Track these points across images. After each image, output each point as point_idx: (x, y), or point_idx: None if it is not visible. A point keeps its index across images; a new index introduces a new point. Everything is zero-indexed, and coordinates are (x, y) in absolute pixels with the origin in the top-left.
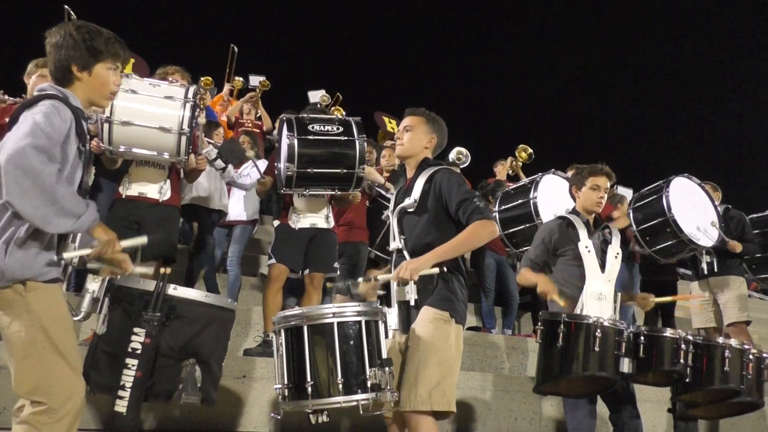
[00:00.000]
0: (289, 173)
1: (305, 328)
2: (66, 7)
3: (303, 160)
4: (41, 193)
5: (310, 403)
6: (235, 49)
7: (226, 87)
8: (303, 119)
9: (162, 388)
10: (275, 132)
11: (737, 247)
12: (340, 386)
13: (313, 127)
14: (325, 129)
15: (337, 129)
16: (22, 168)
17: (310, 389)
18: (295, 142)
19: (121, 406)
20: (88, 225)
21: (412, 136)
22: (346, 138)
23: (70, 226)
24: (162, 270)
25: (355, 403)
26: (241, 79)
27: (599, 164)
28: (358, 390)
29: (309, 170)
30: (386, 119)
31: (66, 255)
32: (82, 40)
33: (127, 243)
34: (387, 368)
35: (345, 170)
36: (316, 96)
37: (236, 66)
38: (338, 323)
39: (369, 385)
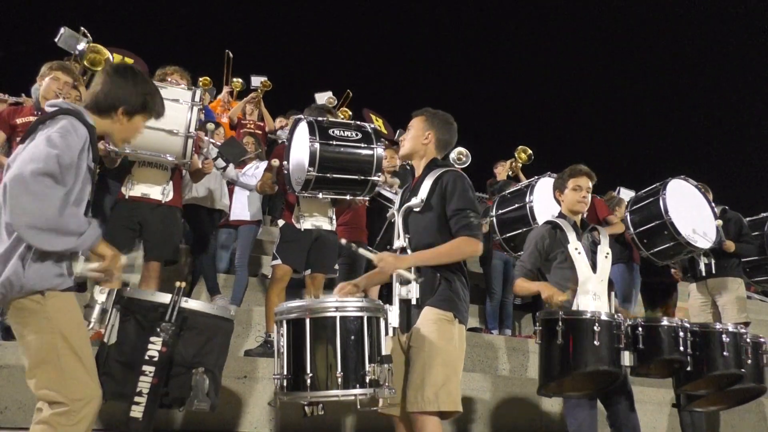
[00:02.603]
0: (309, 177)
1: (307, 321)
2: (82, 28)
3: (324, 164)
4: (44, 218)
5: (309, 395)
6: (230, 54)
7: (225, 90)
8: (323, 123)
9: (174, 396)
10: (281, 131)
11: (731, 246)
12: (339, 380)
13: (333, 132)
14: (345, 135)
15: (356, 135)
16: (27, 192)
17: (309, 381)
18: (318, 146)
19: (138, 412)
20: (91, 242)
21: (410, 135)
22: (365, 145)
23: (72, 244)
24: (178, 283)
25: (352, 398)
26: (240, 80)
27: (578, 165)
28: (356, 384)
29: (329, 175)
30: (374, 117)
31: (77, 270)
32: (144, 93)
33: (124, 261)
34: (386, 365)
35: (362, 176)
36: (322, 98)
37: (234, 69)
38: (341, 317)
39: (367, 380)
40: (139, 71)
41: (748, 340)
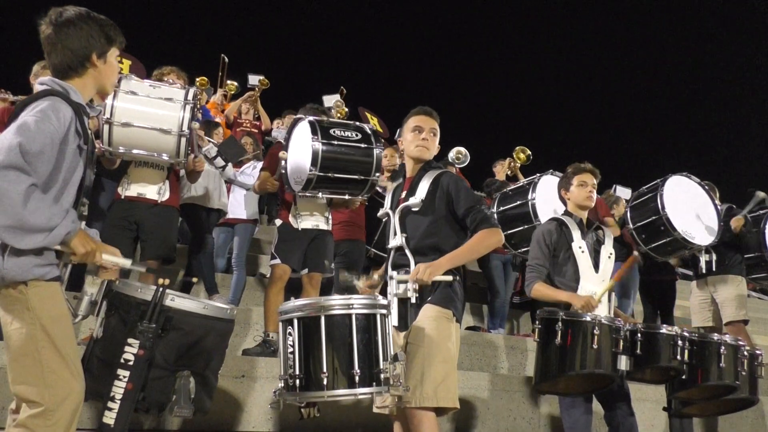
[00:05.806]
0: (310, 176)
1: (322, 319)
2: None
3: (326, 164)
4: (6, 213)
5: (325, 394)
6: (226, 59)
7: (220, 92)
8: (323, 123)
9: (154, 400)
10: (276, 132)
11: (740, 222)
12: (357, 378)
13: (334, 132)
14: (346, 135)
15: (356, 135)
16: None
17: (325, 380)
18: (320, 146)
19: (110, 418)
20: (62, 238)
21: (436, 141)
22: (365, 145)
23: (40, 241)
24: (161, 281)
25: (369, 396)
26: (235, 83)
27: (582, 163)
28: (372, 383)
29: (330, 174)
30: (369, 115)
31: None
32: (99, 27)
33: (109, 258)
34: (398, 362)
35: (362, 176)
36: (330, 101)
37: (231, 70)
38: (355, 315)
39: (382, 378)
40: (76, 10)
41: (746, 352)
